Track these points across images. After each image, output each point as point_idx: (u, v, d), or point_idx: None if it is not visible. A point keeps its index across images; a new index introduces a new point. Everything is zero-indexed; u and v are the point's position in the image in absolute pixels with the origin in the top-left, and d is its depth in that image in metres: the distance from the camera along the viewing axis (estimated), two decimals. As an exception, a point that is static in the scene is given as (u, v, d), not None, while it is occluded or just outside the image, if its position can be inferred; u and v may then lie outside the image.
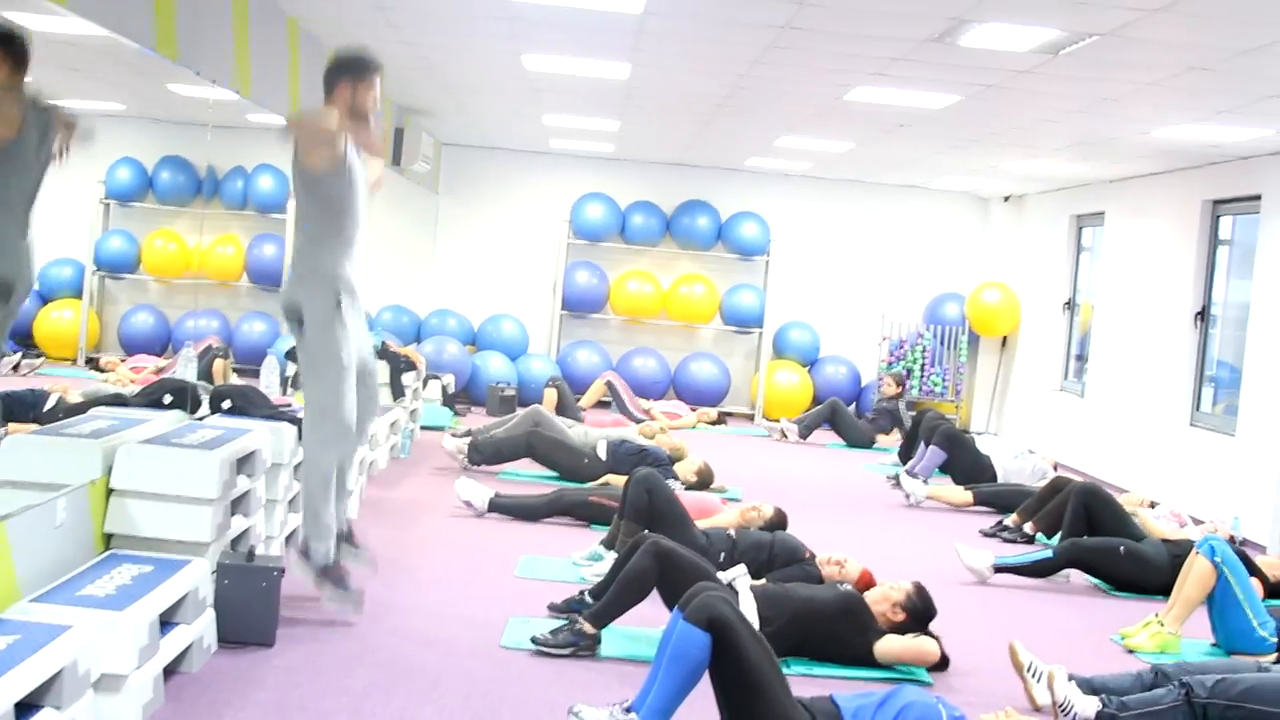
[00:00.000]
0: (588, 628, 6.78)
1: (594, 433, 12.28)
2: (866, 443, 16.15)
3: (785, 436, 16.07)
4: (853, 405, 17.83)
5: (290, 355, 10.88)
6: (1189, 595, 7.81)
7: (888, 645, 6.79)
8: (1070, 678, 6.27)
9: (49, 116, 5.89)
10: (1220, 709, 6.19)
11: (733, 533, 8.46)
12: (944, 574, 9.26)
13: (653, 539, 6.90)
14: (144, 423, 6.95)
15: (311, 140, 6.52)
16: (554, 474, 11.71)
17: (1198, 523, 9.92)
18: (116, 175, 17.49)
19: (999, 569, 9.27)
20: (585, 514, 10.03)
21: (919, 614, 6.96)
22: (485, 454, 11.77)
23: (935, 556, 9.88)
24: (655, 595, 6.82)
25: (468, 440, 11.88)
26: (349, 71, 6.76)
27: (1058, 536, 10.27)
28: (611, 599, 6.83)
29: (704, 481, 11.46)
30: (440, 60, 11.17)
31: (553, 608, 7.30)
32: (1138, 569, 9.21)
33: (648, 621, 6.81)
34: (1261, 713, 6.06)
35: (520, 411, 13.09)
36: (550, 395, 14.54)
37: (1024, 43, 8.22)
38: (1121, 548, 9.38)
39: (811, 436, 16.29)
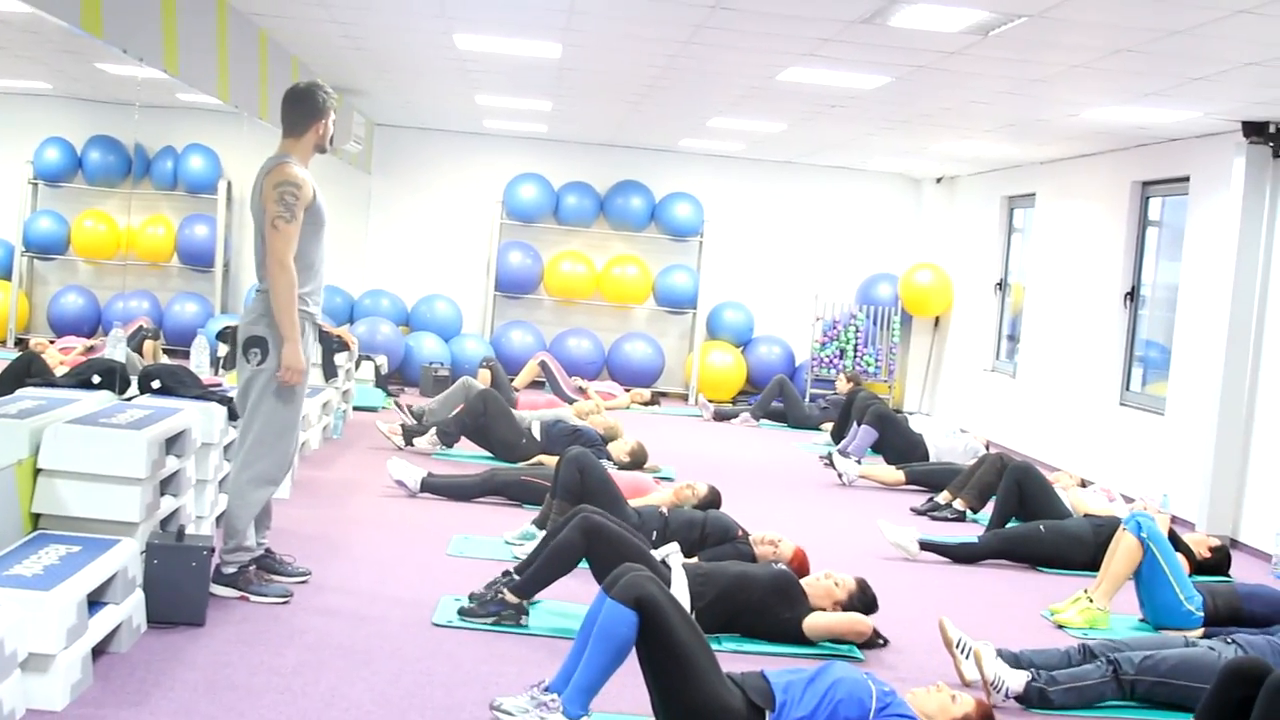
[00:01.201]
0: (511, 598, 6.82)
1: (528, 415, 12.28)
2: (810, 424, 16.20)
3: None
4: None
5: (226, 364, 10.80)
6: (1116, 571, 7.89)
7: (816, 619, 6.82)
8: (998, 653, 6.34)
9: None
10: (1147, 685, 6.29)
11: (665, 510, 8.48)
12: (875, 552, 9.34)
13: (584, 514, 6.90)
14: (72, 403, 6.89)
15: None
16: (487, 454, 11.69)
17: (1128, 501, 10.02)
18: (45, 155, 17.34)
19: (924, 546, 9.34)
20: (517, 494, 10.03)
21: (859, 607, 7.01)
22: (454, 434, 11.79)
23: (867, 535, 9.94)
24: (588, 573, 6.84)
25: (432, 430, 11.88)
26: (323, 113, 6.99)
27: (988, 511, 10.39)
28: (537, 570, 6.85)
29: (637, 461, 11.47)
30: (372, 39, 11.12)
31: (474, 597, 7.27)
32: (1062, 545, 9.32)
33: (578, 598, 6.83)
34: (1187, 688, 6.15)
35: (452, 386, 13.09)
36: (484, 376, 14.51)
37: (953, 24, 8.26)
38: (1042, 527, 9.49)
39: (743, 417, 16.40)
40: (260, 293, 6.88)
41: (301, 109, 6.95)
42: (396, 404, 13.01)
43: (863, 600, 7.05)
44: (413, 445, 11.88)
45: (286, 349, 6.73)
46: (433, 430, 11.91)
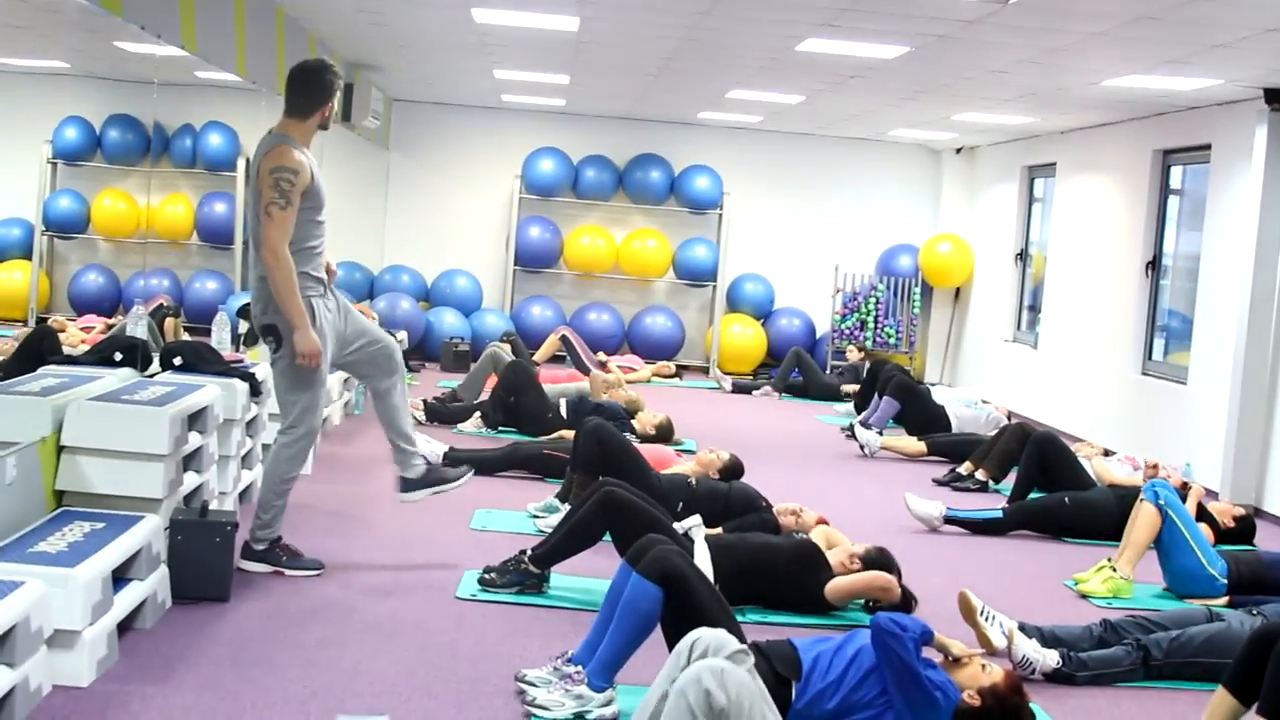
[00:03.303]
0: (532, 568, 6.83)
1: (553, 389, 12.29)
2: (830, 393, 16.14)
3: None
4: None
5: (246, 341, 10.81)
6: (1137, 539, 7.88)
7: (838, 582, 6.80)
8: (1022, 626, 6.33)
9: None
10: (1176, 665, 6.27)
11: (693, 480, 8.47)
12: (896, 523, 9.33)
13: (607, 488, 6.88)
14: (94, 380, 6.91)
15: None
16: (510, 429, 11.69)
17: (1151, 465, 9.98)
18: (64, 134, 17.32)
19: (949, 520, 9.33)
20: (539, 467, 10.04)
21: (880, 567, 6.98)
22: (496, 413, 11.81)
23: (889, 506, 9.93)
24: (610, 546, 6.83)
25: (476, 413, 11.89)
26: (330, 96, 6.91)
27: (1009, 481, 10.37)
28: (559, 542, 6.86)
29: (663, 435, 11.45)
30: (389, 15, 11.10)
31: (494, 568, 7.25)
32: (1085, 516, 9.30)
33: (603, 573, 6.82)
34: (1218, 664, 6.08)
35: (480, 359, 13.15)
36: (505, 350, 14.52)
37: (973, -9, 8.23)
38: (1066, 498, 9.47)
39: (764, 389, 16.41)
40: (261, 279, 6.78)
41: (309, 90, 6.83)
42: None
43: (882, 562, 7.02)
44: (459, 430, 11.84)
45: (297, 337, 6.67)
46: (477, 415, 11.91)
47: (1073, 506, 9.38)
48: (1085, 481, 9.88)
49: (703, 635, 4.64)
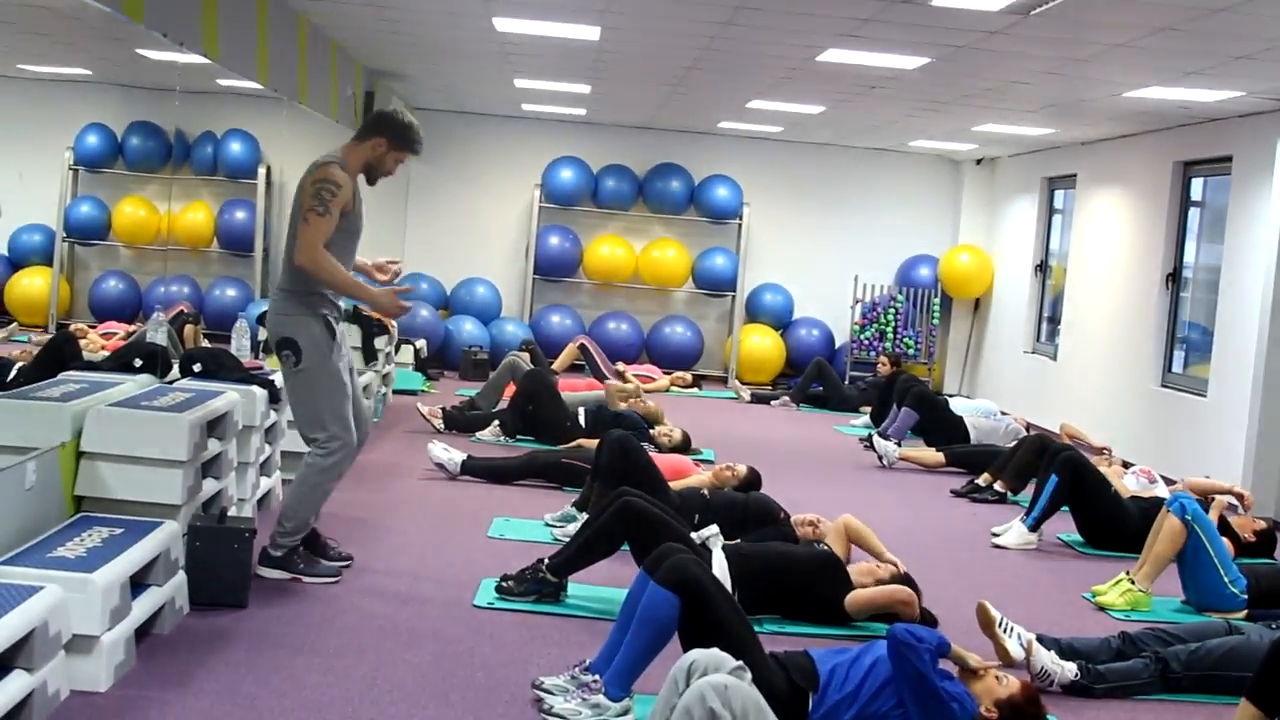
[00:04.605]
0: (550, 576, 6.84)
1: (573, 397, 12.30)
2: (850, 406, 16.10)
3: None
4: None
5: (266, 348, 10.83)
6: (1159, 552, 7.84)
7: (857, 594, 6.80)
8: (1040, 638, 6.31)
9: None
10: (1194, 678, 6.24)
11: (706, 493, 8.47)
12: (914, 534, 9.32)
13: (625, 498, 6.88)
14: (114, 386, 6.93)
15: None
16: (528, 438, 11.71)
17: (1169, 483, 9.91)
18: (86, 141, 17.38)
19: (1033, 528, 9.29)
20: (557, 476, 10.04)
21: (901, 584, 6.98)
22: (514, 422, 11.81)
23: (907, 517, 9.93)
24: (627, 555, 6.84)
25: (495, 424, 11.89)
26: (395, 138, 7.02)
27: (1028, 493, 10.30)
28: (576, 552, 6.88)
29: (681, 449, 11.45)
30: (410, 23, 11.12)
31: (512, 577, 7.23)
32: (1115, 520, 9.22)
33: (620, 581, 6.82)
34: (1239, 679, 6.05)
35: (499, 368, 13.20)
36: (523, 359, 14.53)
37: (995, 2, 8.18)
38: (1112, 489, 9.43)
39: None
40: (280, 291, 6.87)
41: (373, 121, 7.08)
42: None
43: (903, 578, 7.02)
44: (477, 439, 11.84)
45: (374, 301, 7.22)
46: (495, 424, 11.91)
47: (1112, 502, 9.35)
48: (1119, 505, 9.61)
49: (698, 657, 4.63)
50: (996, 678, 5.23)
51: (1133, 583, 7.85)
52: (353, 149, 6.97)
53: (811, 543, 7.52)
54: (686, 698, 4.34)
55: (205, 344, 11.32)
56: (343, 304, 7.06)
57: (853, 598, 6.79)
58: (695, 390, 16.91)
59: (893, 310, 18.10)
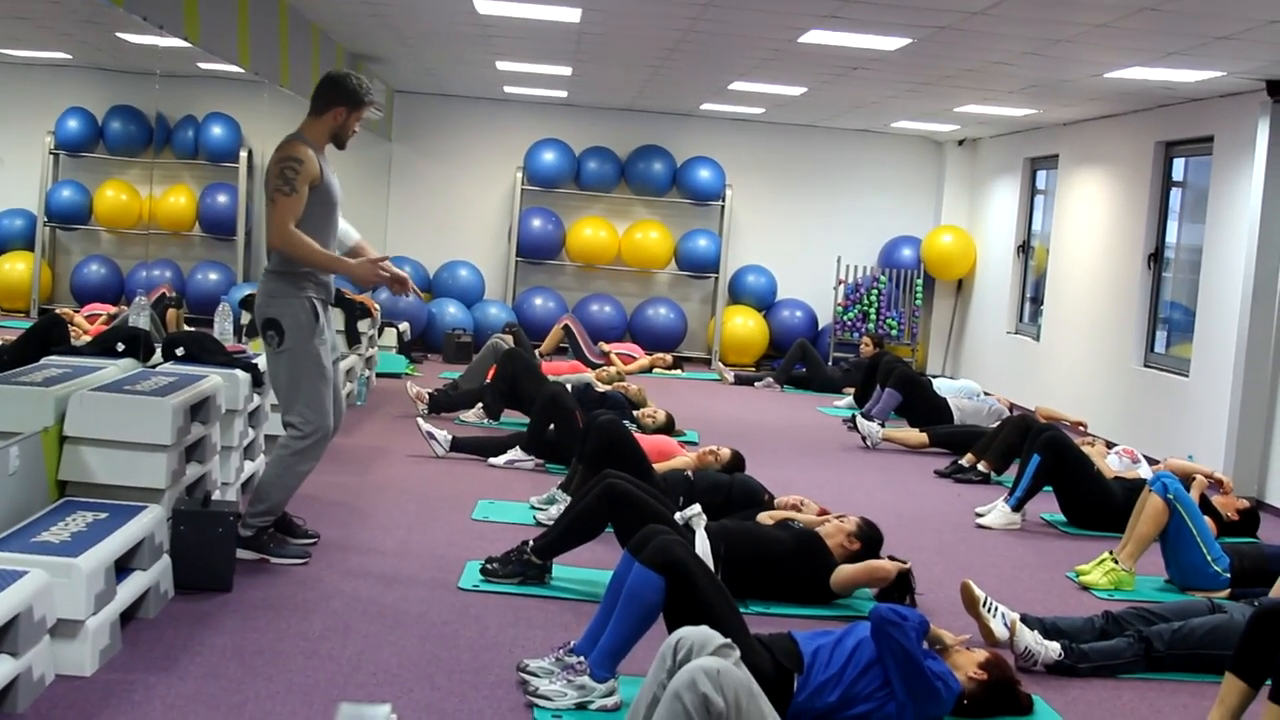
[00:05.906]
0: (534, 559, 6.86)
1: (557, 380, 12.30)
2: (834, 387, 16.12)
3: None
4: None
5: (249, 332, 10.83)
6: (1142, 532, 7.86)
7: (841, 572, 6.83)
8: (1024, 617, 6.34)
9: None
10: (1179, 657, 6.27)
11: (690, 474, 8.48)
12: (897, 514, 9.34)
13: (609, 480, 6.89)
14: (97, 370, 6.92)
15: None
16: (513, 421, 11.70)
17: (1152, 462, 9.94)
18: (66, 125, 17.31)
19: (1017, 508, 9.33)
20: (545, 451, 10.11)
21: (873, 541, 7.04)
22: (497, 405, 11.80)
23: (891, 498, 9.95)
24: (612, 537, 6.85)
25: (479, 405, 11.88)
26: (349, 101, 7.04)
27: (1011, 472, 10.34)
28: (561, 534, 6.89)
29: (665, 431, 11.44)
30: (391, 6, 11.09)
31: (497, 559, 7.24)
32: (1098, 500, 9.26)
33: (604, 564, 6.83)
34: (1221, 656, 6.06)
35: (481, 350, 13.21)
36: (507, 342, 14.52)
37: (976, -17, 8.22)
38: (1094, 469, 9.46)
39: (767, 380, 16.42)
40: (268, 273, 6.88)
41: (324, 91, 7.02)
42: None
43: (869, 529, 7.13)
44: (461, 420, 11.82)
45: (352, 273, 7.02)
46: (479, 406, 11.89)
47: (1096, 481, 9.40)
48: (1102, 484, 9.64)
49: (685, 635, 4.63)
50: (967, 649, 5.35)
51: (1116, 562, 7.88)
52: (313, 124, 6.98)
53: (792, 523, 7.53)
54: (677, 682, 4.34)
55: (188, 328, 11.31)
56: (333, 286, 7.03)
57: (836, 577, 6.82)
58: (677, 372, 16.90)
59: (875, 291, 18.11)
